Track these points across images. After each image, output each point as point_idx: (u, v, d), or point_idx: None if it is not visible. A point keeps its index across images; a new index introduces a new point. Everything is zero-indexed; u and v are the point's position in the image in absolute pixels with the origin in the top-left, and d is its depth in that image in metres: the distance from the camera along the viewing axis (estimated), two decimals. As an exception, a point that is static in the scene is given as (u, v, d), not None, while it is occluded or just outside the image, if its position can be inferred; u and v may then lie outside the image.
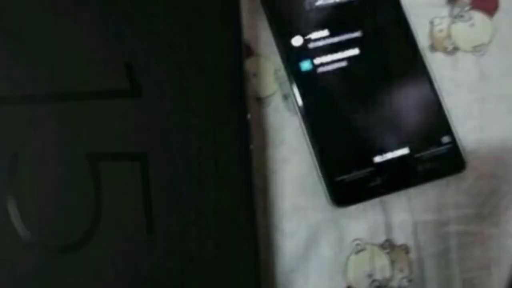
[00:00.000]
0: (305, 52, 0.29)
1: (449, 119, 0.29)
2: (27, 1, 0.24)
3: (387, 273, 0.28)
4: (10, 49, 0.24)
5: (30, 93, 0.24)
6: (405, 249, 0.29)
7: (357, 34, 0.29)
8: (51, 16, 0.24)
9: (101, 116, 0.24)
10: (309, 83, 0.28)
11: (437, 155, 0.28)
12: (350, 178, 0.28)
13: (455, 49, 0.31)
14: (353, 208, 0.28)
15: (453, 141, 0.28)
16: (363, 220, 0.29)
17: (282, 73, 0.29)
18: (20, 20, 0.24)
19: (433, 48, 0.31)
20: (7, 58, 0.24)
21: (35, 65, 0.24)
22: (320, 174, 0.28)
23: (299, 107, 0.28)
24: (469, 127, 0.29)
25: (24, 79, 0.24)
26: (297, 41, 0.29)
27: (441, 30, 0.31)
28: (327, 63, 0.29)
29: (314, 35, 0.29)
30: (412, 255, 0.28)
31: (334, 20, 0.29)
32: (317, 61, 0.29)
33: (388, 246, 0.28)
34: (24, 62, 0.24)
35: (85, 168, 0.24)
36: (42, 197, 0.23)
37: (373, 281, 0.28)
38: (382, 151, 0.28)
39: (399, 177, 0.28)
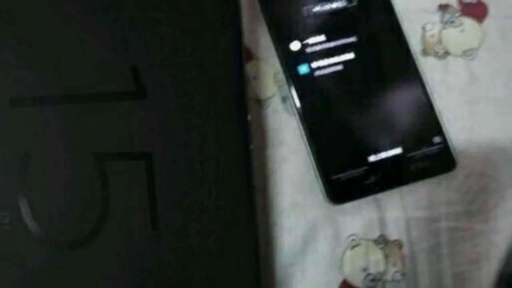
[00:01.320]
0: (303, 56, 0.29)
1: (440, 120, 0.29)
2: (37, 7, 0.24)
3: (381, 267, 0.28)
4: (20, 53, 0.24)
5: (40, 95, 0.24)
6: (398, 244, 0.29)
7: (352, 39, 0.29)
8: (60, 21, 0.24)
9: (108, 117, 0.24)
10: (306, 86, 0.28)
11: (428, 154, 0.28)
12: (345, 176, 0.28)
13: (446, 53, 0.31)
14: (348, 205, 0.28)
15: (444, 141, 0.29)
16: (358, 217, 0.29)
17: (281, 76, 0.29)
18: (30, 25, 0.24)
19: (425, 52, 0.31)
20: (18, 61, 0.24)
21: (44, 68, 0.24)
22: (317, 173, 0.28)
23: (297, 109, 0.28)
24: (459, 128, 0.29)
25: (34, 82, 0.24)
26: (295, 45, 0.29)
27: (432, 36, 0.31)
28: (324, 67, 0.29)
29: (311, 40, 0.29)
30: (405, 250, 0.29)
31: (330, 26, 0.29)
32: (314, 65, 0.29)
33: (382, 241, 0.29)
34: (34, 65, 0.24)
35: (93, 167, 0.23)
36: (51, 195, 0.23)
37: (368, 274, 0.28)
38: (376, 151, 0.28)
39: (393, 176, 0.28)
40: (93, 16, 0.24)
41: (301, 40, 0.29)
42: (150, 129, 0.24)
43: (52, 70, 0.24)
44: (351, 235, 0.29)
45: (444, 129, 0.29)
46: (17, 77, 0.24)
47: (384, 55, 0.29)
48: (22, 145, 0.23)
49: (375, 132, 0.28)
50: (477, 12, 0.31)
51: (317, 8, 0.29)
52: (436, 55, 0.31)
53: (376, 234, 0.29)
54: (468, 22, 0.31)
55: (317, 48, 0.29)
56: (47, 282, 0.23)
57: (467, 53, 0.31)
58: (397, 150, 0.28)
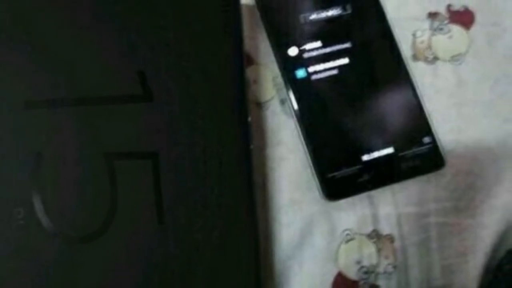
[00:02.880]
0: (300, 61, 0.29)
1: (430, 122, 0.29)
2: (51, 15, 0.24)
3: (374, 260, 0.29)
4: (34, 58, 0.24)
5: (52, 98, 0.24)
6: (390, 238, 0.29)
7: (347, 45, 0.29)
8: (71, 28, 0.24)
9: (116, 119, 0.24)
10: (303, 89, 0.29)
11: (418, 154, 0.28)
12: (340, 174, 0.28)
13: (435, 58, 0.31)
14: (343, 202, 0.28)
15: (433, 141, 0.29)
16: (352, 213, 0.29)
17: (280, 80, 0.29)
18: (43, 32, 0.24)
19: (415, 57, 0.31)
20: (32, 66, 0.24)
21: (57, 73, 0.24)
22: (313, 171, 0.28)
23: (294, 111, 0.28)
24: (448, 129, 0.30)
25: (47, 85, 0.24)
26: (293, 51, 0.29)
27: (422, 42, 0.31)
28: (320, 71, 0.29)
29: (308, 46, 0.29)
30: (396, 244, 0.29)
31: (326, 33, 0.29)
32: (311, 69, 0.29)
33: (375, 235, 0.29)
34: (47, 70, 0.24)
35: (102, 166, 0.24)
36: (63, 192, 0.23)
37: (361, 267, 0.28)
38: (369, 150, 0.28)
39: (385, 174, 0.28)
40: (103, 24, 0.24)
41: (298, 46, 0.29)
42: (156, 130, 0.24)
43: (64, 74, 0.24)
44: (346, 230, 0.29)
45: (433, 130, 0.29)
46: (31, 81, 0.24)
47: (377, 60, 0.29)
48: (36, 145, 0.23)
49: (368, 133, 0.28)
50: (465, 19, 0.31)
51: (313, 16, 0.30)
52: (426, 60, 0.31)
53: (369, 229, 0.29)
54: (456, 29, 0.31)
55: (314, 53, 0.29)
56: (59, 275, 0.23)
57: (455, 58, 0.31)
58: (389, 150, 0.28)
